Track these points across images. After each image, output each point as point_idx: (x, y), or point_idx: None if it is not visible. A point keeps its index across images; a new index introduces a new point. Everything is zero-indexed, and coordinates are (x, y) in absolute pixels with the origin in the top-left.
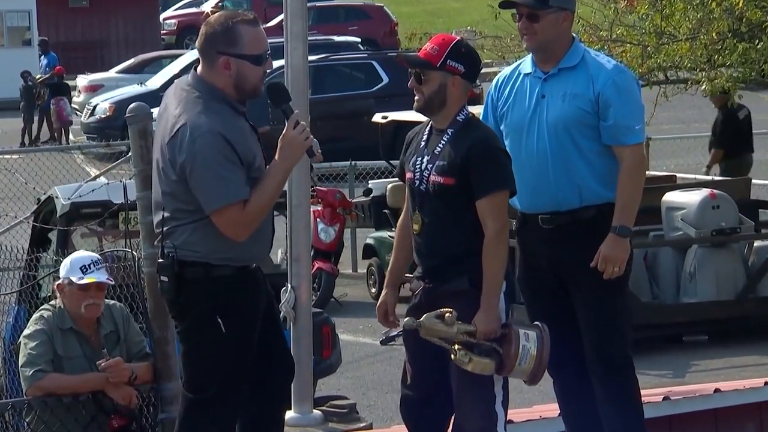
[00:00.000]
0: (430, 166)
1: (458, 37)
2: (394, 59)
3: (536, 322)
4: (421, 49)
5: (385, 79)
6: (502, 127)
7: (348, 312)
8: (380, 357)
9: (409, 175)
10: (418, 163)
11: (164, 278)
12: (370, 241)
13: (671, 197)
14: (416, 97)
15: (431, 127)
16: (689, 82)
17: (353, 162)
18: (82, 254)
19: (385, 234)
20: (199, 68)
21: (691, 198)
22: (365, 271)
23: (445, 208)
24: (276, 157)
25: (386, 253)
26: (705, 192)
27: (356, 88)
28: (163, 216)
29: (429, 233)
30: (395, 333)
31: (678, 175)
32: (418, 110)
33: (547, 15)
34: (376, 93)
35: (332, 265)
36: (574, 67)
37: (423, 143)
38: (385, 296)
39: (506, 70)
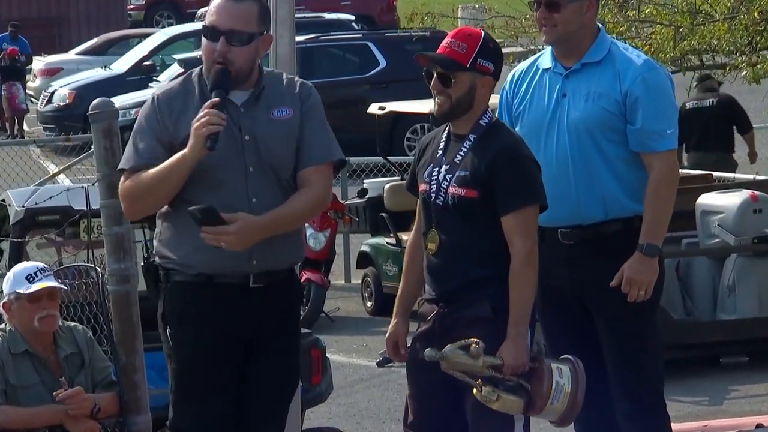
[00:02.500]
0: (449, 176)
1: (481, 30)
2: (393, 40)
3: (568, 356)
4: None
5: (383, 63)
6: (517, 129)
7: (340, 329)
8: (377, 381)
9: (423, 186)
10: (435, 173)
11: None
12: (365, 248)
13: (707, 200)
14: (438, 101)
15: (449, 132)
16: (727, 68)
17: (346, 158)
18: (25, 264)
19: (382, 240)
20: None
21: (730, 200)
22: (360, 282)
23: (466, 224)
24: None
25: (383, 262)
26: (745, 194)
27: (350, 73)
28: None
29: (447, 253)
30: None
31: (714, 173)
32: (442, 116)
33: (569, 3)
34: (372, 78)
35: (322, 275)
36: (600, 62)
37: (440, 151)
38: (396, 326)
39: (523, 65)
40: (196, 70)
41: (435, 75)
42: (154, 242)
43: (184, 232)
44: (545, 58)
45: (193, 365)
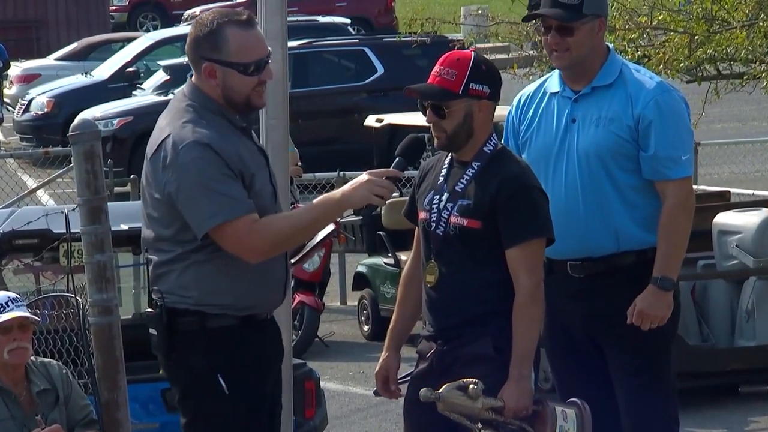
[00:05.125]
0: (450, 205)
1: (471, 52)
2: (391, 45)
3: (574, 399)
4: (431, 70)
5: (380, 70)
6: (524, 156)
7: (335, 355)
8: (374, 410)
9: (423, 215)
10: (435, 201)
11: (153, 332)
12: (361, 268)
13: (724, 219)
14: (436, 133)
15: (451, 158)
16: (745, 77)
17: (341, 172)
18: None
19: (379, 260)
20: (193, 75)
21: (748, 220)
22: (356, 304)
23: (467, 256)
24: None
25: (381, 283)
26: (765, 212)
27: (345, 80)
28: (149, 250)
29: (447, 287)
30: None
31: (732, 190)
32: (443, 149)
33: (581, 26)
34: (369, 86)
35: (316, 298)
36: (611, 85)
37: (441, 178)
38: (386, 360)
39: (529, 88)
40: (200, 106)
41: (428, 107)
42: (163, 288)
43: (237, 274)
44: (553, 82)
45: (251, 416)
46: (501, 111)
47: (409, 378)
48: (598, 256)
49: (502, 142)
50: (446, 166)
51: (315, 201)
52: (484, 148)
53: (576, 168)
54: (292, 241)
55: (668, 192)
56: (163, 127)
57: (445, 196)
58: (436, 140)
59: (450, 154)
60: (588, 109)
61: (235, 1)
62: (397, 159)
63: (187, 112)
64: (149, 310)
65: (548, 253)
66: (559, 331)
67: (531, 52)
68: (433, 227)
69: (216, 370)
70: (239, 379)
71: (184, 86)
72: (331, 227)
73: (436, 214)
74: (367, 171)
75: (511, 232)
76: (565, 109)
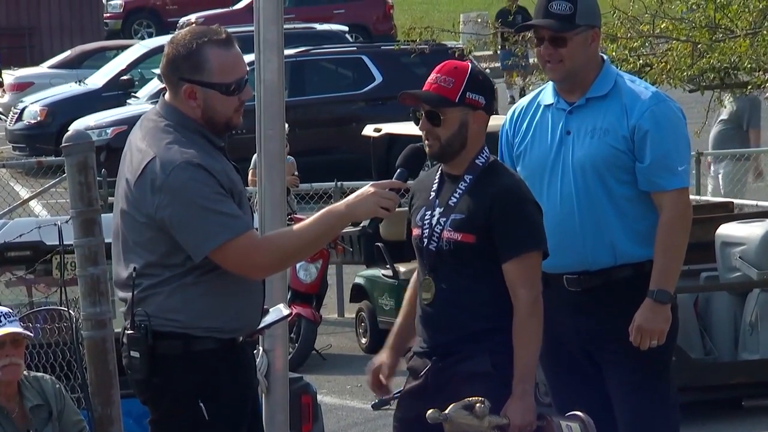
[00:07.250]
0: (443, 220)
1: (468, 63)
2: (389, 53)
3: (578, 413)
4: (427, 79)
5: (378, 78)
6: (519, 169)
7: (333, 368)
8: (372, 425)
9: (416, 231)
10: (427, 217)
11: (135, 354)
12: (359, 280)
13: (727, 230)
14: (429, 142)
15: (442, 173)
16: (749, 86)
17: (339, 182)
18: None
19: (377, 272)
20: (167, 95)
21: (752, 231)
22: (354, 316)
23: (462, 271)
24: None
25: (379, 295)
26: None
27: (343, 89)
28: (132, 274)
29: (444, 304)
30: (391, 395)
31: (735, 201)
32: (435, 158)
33: (575, 36)
34: (367, 95)
35: (314, 310)
36: (605, 96)
37: (433, 193)
38: (383, 359)
39: (523, 101)
40: (178, 125)
41: (423, 114)
42: (148, 310)
43: (224, 297)
44: (547, 94)
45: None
46: (497, 121)
47: (397, 398)
48: (594, 269)
49: (497, 155)
50: (437, 180)
51: (319, 214)
52: (476, 161)
53: (571, 180)
54: (297, 257)
55: (664, 203)
56: (144, 150)
57: (438, 211)
58: (428, 148)
59: (440, 168)
60: (583, 120)
61: (231, 9)
62: (398, 170)
63: (168, 132)
64: (131, 331)
65: (544, 267)
66: (555, 345)
67: (497, 65)
68: (426, 243)
69: (198, 394)
70: (219, 404)
71: (156, 106)
72: (286, 311)
73: (428, 230)
74: (371, 183)
75: (508, 246)
76: (559, 121)
